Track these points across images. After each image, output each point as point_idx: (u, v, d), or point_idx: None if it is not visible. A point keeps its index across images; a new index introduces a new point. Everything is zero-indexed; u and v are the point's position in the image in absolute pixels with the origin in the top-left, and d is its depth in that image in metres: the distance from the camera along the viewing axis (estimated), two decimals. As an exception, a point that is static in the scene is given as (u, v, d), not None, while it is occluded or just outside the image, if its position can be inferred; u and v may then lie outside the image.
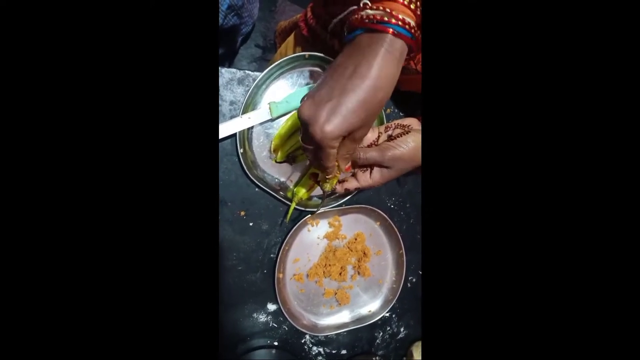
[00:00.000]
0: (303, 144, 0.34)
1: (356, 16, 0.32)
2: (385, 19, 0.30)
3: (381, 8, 0.30)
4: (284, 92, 0.49)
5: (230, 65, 0.93)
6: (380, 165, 0.42)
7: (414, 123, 0.45)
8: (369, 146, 0.44)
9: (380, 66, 0.30)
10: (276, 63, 0.48)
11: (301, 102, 0.33)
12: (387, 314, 0.58)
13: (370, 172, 0.43)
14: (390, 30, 0.30)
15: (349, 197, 0.53)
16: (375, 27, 0.30)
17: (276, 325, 0.54)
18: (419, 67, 0.47)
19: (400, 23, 0.30)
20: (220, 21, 0.73)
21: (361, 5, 0.31)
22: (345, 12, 0.33)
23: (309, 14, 0.66)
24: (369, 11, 0.31)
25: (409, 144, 0.41)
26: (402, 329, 0.60)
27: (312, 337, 0.56)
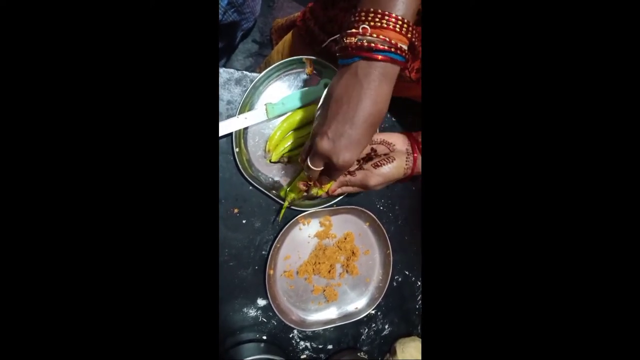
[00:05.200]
0: (312, 166, 0.38)
1: (352, 40, 0.33)
2: (381, 46, 0.32)
3: (375, 35, 0.32)
4: (280, 94, 0.51)
5: (228, 60, 0.93)
6: (365, 188, 0.47)
7: (399, 142, 0.47)
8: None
9: (379, 92, 0.33)
10: (274, 65, 0.49)
11: (314, 126, 0.37)
12: (373, 312, 0.60)
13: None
14: (388, 57, 0.32)
15: (340, 197, 0.55)
16: (374, 57, 0.32)
17: (265, 320, 0.55)
18: (413, 75, 0.49)
19: (393, 49, 0.32)
20: (219, 17, 0.73)
21: (360, 29, 0.32)
22: (342, 34, 0.34)
23: (308, 15, 0.66)
24: (367, 37, 0.32)
25: (392, 170, 0.45)
26: (386, 326, 0.62)
27: (299, 332, 0.57)
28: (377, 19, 0.32)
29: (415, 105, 0.56)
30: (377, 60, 0.32)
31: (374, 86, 0.33)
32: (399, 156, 0.45)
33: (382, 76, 0.33)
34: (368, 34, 0.32)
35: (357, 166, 0.47)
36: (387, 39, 0.32)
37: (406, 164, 0.46)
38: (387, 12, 0.32)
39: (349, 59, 0.34)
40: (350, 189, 0.48)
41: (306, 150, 0.41)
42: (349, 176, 0.45)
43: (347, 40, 0.33)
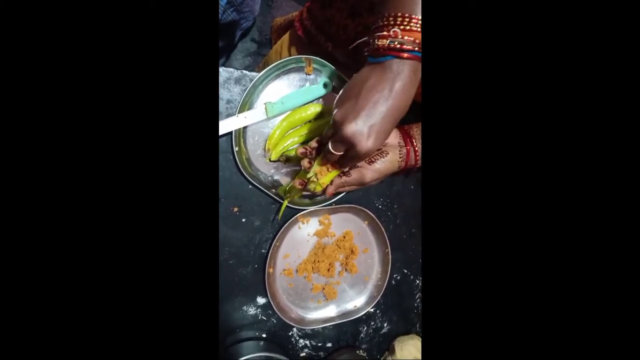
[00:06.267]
0: (334, 150, 0.40)
1: (384, 42, 0.35)
2: (410, 47, 0.34)
3: (406, 37, 0.35)
4: (279, 93, 0.51)
5: (227, 59, 0.93)
6: (361, 185, 0.48)
7: (391, 136, 0.47)
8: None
9: (408, 89, 0.36)
10: (273, 64, 0.49)
11: (336, 113, 0.38)
12: (372, 310, 0.60)
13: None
14: (417, 57, 0.35)
15: (339, 196, 0.55)
16: (406, 56, 0.35)
17: (265, 318, 0.56)
18: None
19: (420, 49, 0.35)
20: (219, 16, 0.73)
21: (391, 32, 0.35)
22: (372, 36, 0.37)
23: (305, 14, 0.66)
24: (398, 39, 0.35)
25: (386, 164, 0.46)
26: (385, 324, 0.63)
27: (299, 330, 0.58)
28: (406, 22, 0.34)
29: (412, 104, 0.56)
30: (408, 59, 0.35)
31: (407, 82, 0.36)
32: (392, 150, 0.46)
33: (412, 73, 0.36)
34: (399, 37, 0.35)
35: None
36: (416, 40, 0.34)
37: (400, 157, 0.46)
38: (413, 16, 0.34)
39: (380, 58, 0.36)
40: (347, 188, 0.48)
41: (327, 137, 0.41)
42: (344, 177, 0.45)
43: (379, 42, 0.36)
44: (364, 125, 0.36)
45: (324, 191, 0.46)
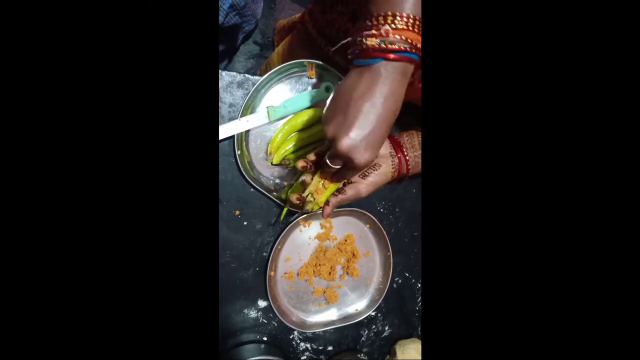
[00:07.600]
0: (332, 165, 0.39)
1: (374, 41, 0.33)
2: (403, 47, 0.32)
3: (398, 36, 0.32)
4: (282, 97, 0.51)
5: (229, 62, 0.93)
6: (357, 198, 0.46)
7: (382, 147, 0.46)
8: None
9: (400, 91, 0.35)
10: (276, 68, 0.49)
11: (329, 128, 0.36)
12: (373, 313, 0.60)
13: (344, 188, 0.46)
14: (407, 57, 0.33)
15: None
16: (396, 58, 0.33)
17: (266, 321, 0.56)
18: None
19: (413, 50, 0.33)
20: (221, 20, 0.74)
21: (382, 32, 0.33)
22: (360, 35, 0.34)
23: (307, 17, 0.67)
24: (389, 39, 0.32)
25: (380, 176, 0.45)
26: (386, 328, 0.63)
27: (300, 333, 0.58)
28: (397, 21, 0.32)
29: (405, 105, 0.56)
30: (398, 60, 0.33)
31: (396, 86, 0.34)
32: (383, 161, 0.45)
33: (401, 76, 0.34)
34: (390, 36, 0.32)
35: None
36: (407, 39, 0.33)
37: (392, 168, 0.46)
38: (404, 14, 0.32)
39: (369, 60, 0.34)
40: (344, 204, 0.47)
41: (323, 151, 0.40)
42: (340, 195, 0.44)
43: (369, 42, 0.33)
44: (358, 138, 0.35)
45: (320, 209, 0.45)
